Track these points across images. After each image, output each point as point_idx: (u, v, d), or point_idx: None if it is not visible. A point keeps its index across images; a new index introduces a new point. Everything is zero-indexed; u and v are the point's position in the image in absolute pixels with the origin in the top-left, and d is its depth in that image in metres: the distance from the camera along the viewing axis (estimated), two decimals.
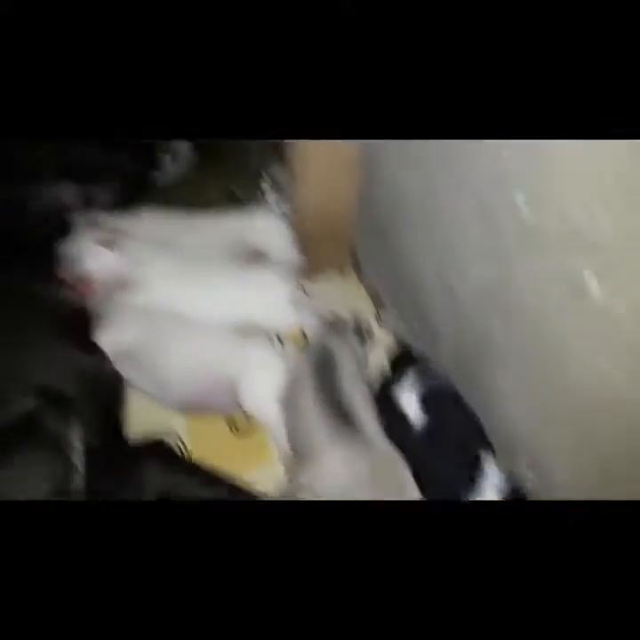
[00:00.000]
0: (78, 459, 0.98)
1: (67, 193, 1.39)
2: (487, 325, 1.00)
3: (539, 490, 0.97)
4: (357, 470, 0.93)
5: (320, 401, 1.04)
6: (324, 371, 1.10)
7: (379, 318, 1.49)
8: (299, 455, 1.04)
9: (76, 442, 1.00)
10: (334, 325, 1.25)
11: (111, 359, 1.22)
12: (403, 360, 1.22)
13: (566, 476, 0.91)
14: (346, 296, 1.51)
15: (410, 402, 1.08)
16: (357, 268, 1.55)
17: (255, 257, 1.40)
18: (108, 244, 1.26)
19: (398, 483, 0.94)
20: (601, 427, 0.80)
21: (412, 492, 0.93)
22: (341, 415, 1.00)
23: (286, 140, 1.39)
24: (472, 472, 0.98)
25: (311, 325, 1.35)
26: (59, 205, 1.38)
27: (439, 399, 1.07)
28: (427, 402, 1.07)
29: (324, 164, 1.24)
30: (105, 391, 1.19)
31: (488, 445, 1.05)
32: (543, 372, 0.88)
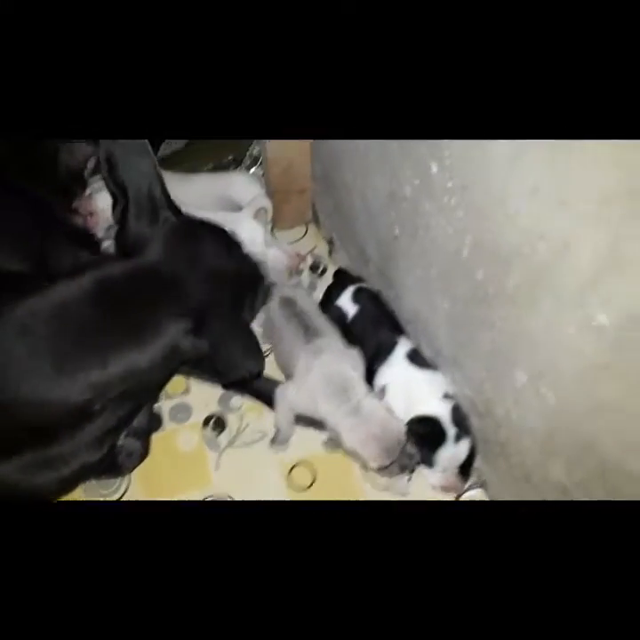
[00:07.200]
0: None
1: (89, 151, 1.83)
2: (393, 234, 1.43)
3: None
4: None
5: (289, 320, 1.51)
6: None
7: (331, 256, 1.96)
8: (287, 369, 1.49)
9: None
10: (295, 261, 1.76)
11: None
12: (342, 277, 1.76)
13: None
14: (308, 242, 1.99)
15: (346, 301, 1.62)
16: (316, 218, 2.00)
17: (235, 208, 1.83)
18: None
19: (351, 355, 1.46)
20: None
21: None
22: (306, 326, 1.48)
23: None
24: (390, 340, 1.52)
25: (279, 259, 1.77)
26: (81, 164, 1.83)
27: (365, 296, 1.62)
28: (357, 299, 1.61)
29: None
30: None
31: (399, 327, 1.56)
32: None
